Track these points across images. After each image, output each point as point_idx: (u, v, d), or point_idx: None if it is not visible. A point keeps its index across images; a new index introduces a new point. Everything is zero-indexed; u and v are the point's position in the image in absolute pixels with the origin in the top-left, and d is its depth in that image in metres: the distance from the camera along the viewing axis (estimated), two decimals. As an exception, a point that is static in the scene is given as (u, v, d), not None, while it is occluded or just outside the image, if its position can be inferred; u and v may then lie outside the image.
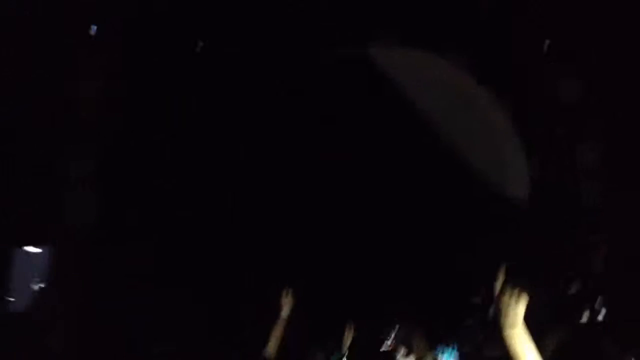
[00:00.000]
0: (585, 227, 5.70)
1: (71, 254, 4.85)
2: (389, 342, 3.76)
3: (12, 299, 4.54)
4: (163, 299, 4.94)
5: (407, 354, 3.46)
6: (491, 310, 3.45)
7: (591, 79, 5.89)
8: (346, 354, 4.07)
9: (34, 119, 4.80)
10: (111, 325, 4.75)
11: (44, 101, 4.87)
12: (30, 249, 4.62)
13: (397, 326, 3.79)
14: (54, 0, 4.89)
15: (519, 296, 2.11)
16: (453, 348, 3.04)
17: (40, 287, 4.56)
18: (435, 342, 3.46)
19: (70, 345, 4.53)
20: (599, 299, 4.01)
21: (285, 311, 3.67)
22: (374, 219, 5.96)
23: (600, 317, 3.81)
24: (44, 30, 4.82)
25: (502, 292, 2.35)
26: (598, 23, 5.72)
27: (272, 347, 3.42)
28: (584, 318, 3.93)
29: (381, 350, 3.80)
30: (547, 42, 6.11)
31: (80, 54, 5.18)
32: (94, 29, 5.21)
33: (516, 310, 2.09)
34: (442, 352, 3.08)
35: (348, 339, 4.12)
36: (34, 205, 4.76)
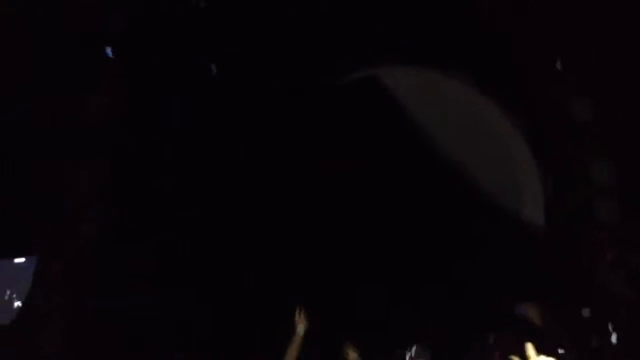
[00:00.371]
0: (599, 245, 5.62)
1: (71, 257, 4.87)
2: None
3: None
4: (164, 300, 4.92)
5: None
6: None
7: (603, 95, 5.87)
8: None
9: (34, 121, 4.85)
10: (111, 326, 4.73)
11: (43, 104, 4.92)
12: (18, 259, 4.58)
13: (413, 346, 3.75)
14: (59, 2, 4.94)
15: None
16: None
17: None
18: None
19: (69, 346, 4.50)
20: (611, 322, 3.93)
21: (300, 329, 3.70)
22: (387, 238, 5.95)
23: (613, 340, 3.74)
24: (48, 33, 4.88)
25: None
26: (608, 39, 5.71)
27: None
28: (596, 341, 3.86)
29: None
30: (558, 60, 6.08)
31: (85, 56, 5.23)
32: (109, 52, 5.29)
33: None
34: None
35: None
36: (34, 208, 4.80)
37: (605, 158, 5.83)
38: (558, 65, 6.04)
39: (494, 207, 6.30)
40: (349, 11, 5.69)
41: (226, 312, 5.22)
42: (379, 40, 5.83)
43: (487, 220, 6.12)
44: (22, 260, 4.48)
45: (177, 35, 5.46)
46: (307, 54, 5.70)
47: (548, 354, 3.75)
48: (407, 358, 3.76)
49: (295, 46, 5.61)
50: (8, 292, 4.46)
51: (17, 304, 4.42)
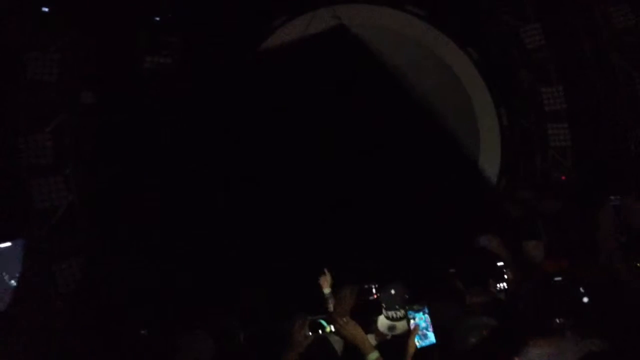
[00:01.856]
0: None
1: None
2: (373, 291, 3.84)
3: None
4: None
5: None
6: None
7: (552, 22, 5.91)
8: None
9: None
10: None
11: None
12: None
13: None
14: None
15: None
16: (424, 312, 3.17)
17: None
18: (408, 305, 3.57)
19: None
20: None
21: (327, 289, 3.82)
22: (356, 183, 6.04)
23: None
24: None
25: None
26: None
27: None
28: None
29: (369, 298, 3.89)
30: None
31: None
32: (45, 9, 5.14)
33: None
34: (414, 315, 3.22)
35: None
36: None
37: (556, 83, 5.97)
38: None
39: (451, 137, 6.42)
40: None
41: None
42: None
43: (444, 152, 6.25)
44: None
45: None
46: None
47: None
48: (374, 290, 3.86)
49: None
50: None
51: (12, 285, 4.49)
